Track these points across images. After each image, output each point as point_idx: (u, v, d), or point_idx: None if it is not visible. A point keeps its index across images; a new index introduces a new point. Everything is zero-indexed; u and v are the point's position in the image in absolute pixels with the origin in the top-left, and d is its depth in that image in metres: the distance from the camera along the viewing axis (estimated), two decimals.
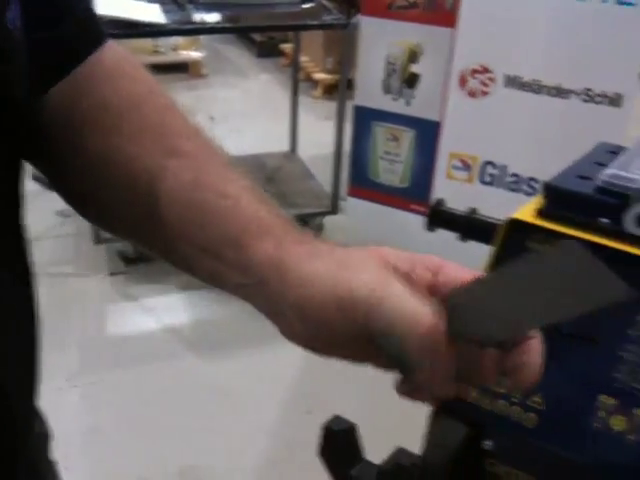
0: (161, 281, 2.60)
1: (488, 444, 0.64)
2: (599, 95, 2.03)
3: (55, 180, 0.60)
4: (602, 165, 0.73)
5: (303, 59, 4.16)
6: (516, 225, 0.69)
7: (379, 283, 0.45)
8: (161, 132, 0.56)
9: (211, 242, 0.52)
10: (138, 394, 2.17)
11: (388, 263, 0.47)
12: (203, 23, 2.48)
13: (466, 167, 2.33)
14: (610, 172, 0.69)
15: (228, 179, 0.54)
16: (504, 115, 2.22)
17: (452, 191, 2.29)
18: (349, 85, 2.59)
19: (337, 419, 0.66)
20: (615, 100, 2.01)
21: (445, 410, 0.66)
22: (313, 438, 0.64)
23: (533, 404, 0.64)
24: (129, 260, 2.66)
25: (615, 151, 0.81)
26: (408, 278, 0.47)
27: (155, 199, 0.53)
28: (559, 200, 0.69)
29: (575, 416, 0.62)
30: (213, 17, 2.50)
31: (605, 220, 0.66)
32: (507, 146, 2.25)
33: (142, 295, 2.57)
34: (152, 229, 0.55)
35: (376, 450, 0.68)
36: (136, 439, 2.01)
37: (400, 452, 0.66)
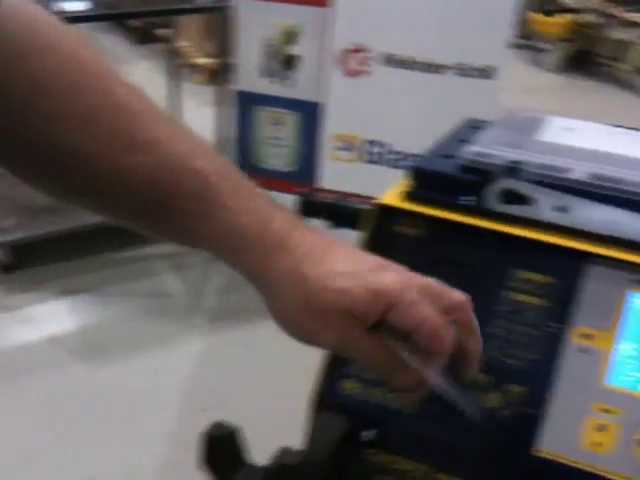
0: (39, 288, 2.47)
1: (369, 434, 0.63)
2: (471, 68, 2.08)
3: None
4: (466, 142, 0.73)
5: (183, 44, 4.05)
6: (384, 210, 0.68)
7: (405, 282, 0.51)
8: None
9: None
10: (24, 408, 2.05)
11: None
12: (76, 12, 2.35)
13: (350, 147, 2.34)
14: (471, 150, 0.69)
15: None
16: (384, 93, 2.24)
17: (338, 172, 2.29)
18: (231, 69, 2.54)
19: (218, 425, 0.63)
20: (487, 72, 2.07)
21: (323, 404, 0.65)
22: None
23: None
24: (4, 268, 2.51)
25: (479, 126, 0.81)
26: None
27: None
28: (425, 181, 0.68)
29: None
30: (84, 5, 2.38)
31: (468, 198, 0.66)
32: (389, 124, 2.28)
33: (20, 305, 2.43)
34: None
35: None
36: (24, 454, 1.90)
37: (284, 452, 0.64)
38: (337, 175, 2.27)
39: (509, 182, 0.65)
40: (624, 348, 0.60)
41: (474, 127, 0.82)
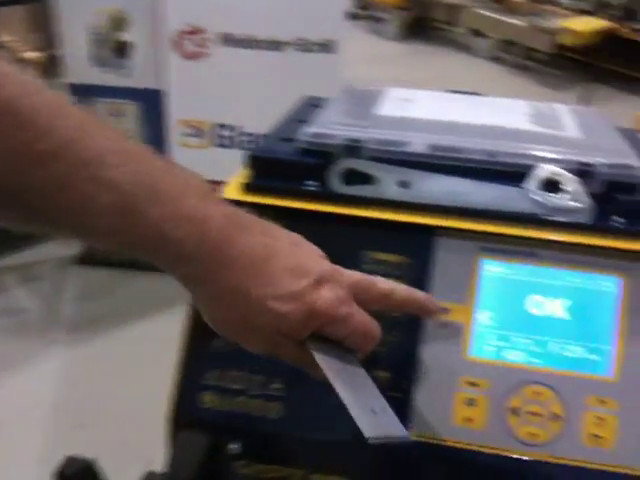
0: None
1: (235, 447, 0.59)
2: (311, 43, 2.05)
3: None
4: (305, 122, 0.69)
5: (6, 39, 3.74)
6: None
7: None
8: None
9: None
10: None
11: None
12: None
13: (199, 133, 2.25)
14: (310, 131, 0.65)
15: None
16: (226, 75, 2.17)
17: (189, 159, 2.20)
18: (60, 62, 2.36)
19: (70, 460, 0.56)
20: (327, 46, 2.05)
21: (183, 421, 0.60)
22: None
23: (274, 392, 0.59)
24: None
25: (318, 104, 0.78)
26: None
27: None
28: (264, 169, 0.64)
29: (318, 395, 0.58)
30: None
31: (312, 183, 0.63)
32: (236, 106, 2.21)
33: None
34: None
35: None
36: None
37: (150, 476, 0.59)
38: (189, 162, 2.17)
39: (350, 162, 0.62)
40: (483, 317, 0.59)
41: (313, 105, 0.79)
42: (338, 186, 0.61)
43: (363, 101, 0.76)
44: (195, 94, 2.24)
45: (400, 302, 0.56)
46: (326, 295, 0.51)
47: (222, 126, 2.27)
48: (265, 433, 0.59)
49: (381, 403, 0.52)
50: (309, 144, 0.64)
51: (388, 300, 0.55)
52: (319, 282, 0.51)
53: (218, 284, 0.50)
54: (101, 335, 2.17)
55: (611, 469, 0.55)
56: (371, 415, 0.50)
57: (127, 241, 0.48)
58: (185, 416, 0.60)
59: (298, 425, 0.58)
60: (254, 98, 2.17)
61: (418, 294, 0.57)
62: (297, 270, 0.51)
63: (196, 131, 2.26)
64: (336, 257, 0.61)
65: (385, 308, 0.57)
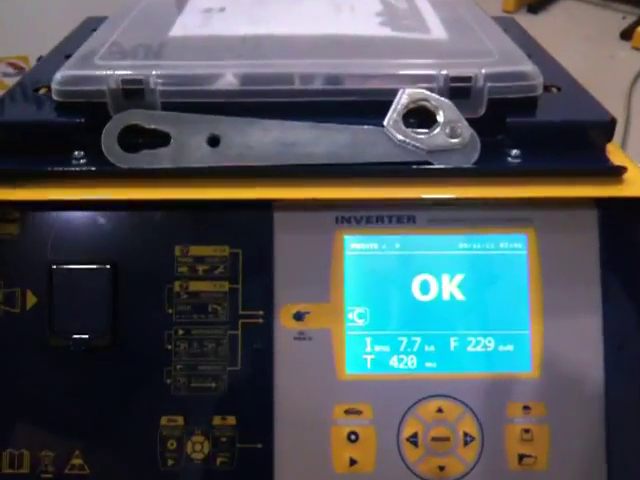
0: None
1: None
2: None
3: None
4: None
5: None
6: None
7: None
8: None
9: None
10: None
11: None
12: None
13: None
14: (63, 74, 0.43)
15: None
16: None
17: None
18: None
19: None
20: None
21: None
22: None
23: None
24: None
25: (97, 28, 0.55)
26: None
27: None
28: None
29: None
30: None
31: (76, 155, 0.41)
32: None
33: None
34: None
35: None
36: None
37: None
38: None
39: (129, 115, 0.41)
40: (355, 317, 0.41)
41: (93, 30, 0.56)
42: (116, 156, 0.40)
43: (153, 18, 0.54)
44: None
45: None
46: None
47: None
48: None
49: None
50: (61, 94, 0.42)
51: None
52: None
53: None
54: None
55: None
56: None
57: None
58: None
59: None
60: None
61: None
62: None
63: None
64: (139, 262, 0.41)
65: None
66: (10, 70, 1.99)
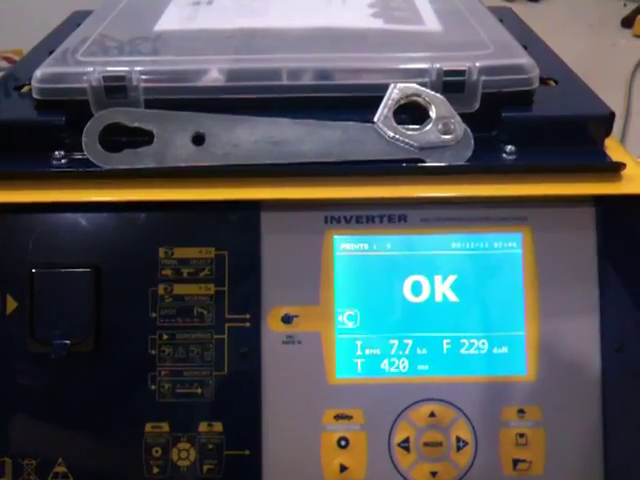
0: None
1: None
2: None
3: None
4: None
5: None
6: None
7: None
8: None
9: None
10: None
11: None
12: None
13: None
14: (43, 71, 0.42)
15: None
16: None
17: None
18: None
19: None
20: None
21: None
22: None
23: None
24: None
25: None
26: None
27: None
28: None
29: None
30: None
31: (57, 155, 0.40)
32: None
33: None
34: None
35: None
36: None
37: None
38: None
39: (111, 114, 0.40)
40: (346, 320, 0.40)
41: (79, 25, 0.55)
42: (98, 155, 0.39)
43: (139, 11, 0.53)
44: None
45: None
46: None
47: None
48: None
49: None
50: (41, 92, 0.41)
51: None
52: None
53: None
54: None
55: None
56: None
57: None
58: None
59: None
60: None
61: None
62: None
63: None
64: (122, 265, 0.40)
65: None
66: (4, 64, 1.97)
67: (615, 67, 1.32)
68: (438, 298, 0.40)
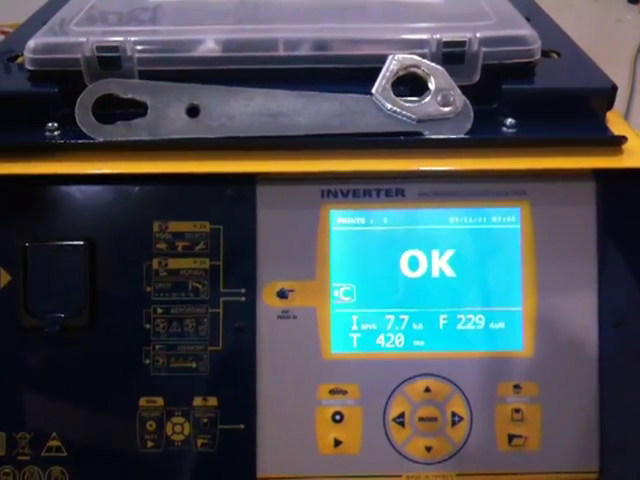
0: None
1: None
2: None
3: None
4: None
5: None
6: None
7: None
8: None
9: None
10: None
11: None
12: None
13: None
14: (36, 42, 0.41)
15: None
16: None
17: None
18: None
19: None
20: None
21: None
22: None
23: None
24: None
25: None
26: None
27: None
28: None
29: None
30: None
31: (50, 127, 0.40)
32: None
33: None
34: None
35: None
36: None
37: None
38: None
39: (105, 84, 0.39)
40: (341, 294, 0.40)
41: None
42: (91, 127, 0.39)
43: None
44: None
45: None
46: None
47: None
48: None
49: None
50: (34, 63, 0.40)
51: None
52: None
53: None
54: None
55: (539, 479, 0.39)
56: None
57: None
58: None
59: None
60: None
61: None
62: None
63: None
64: (116, 239, 0.40)
65: None
66: (2, 38, 1.96)
67: (620, 43, 1.30)
68: (435, 273, 0.40)
